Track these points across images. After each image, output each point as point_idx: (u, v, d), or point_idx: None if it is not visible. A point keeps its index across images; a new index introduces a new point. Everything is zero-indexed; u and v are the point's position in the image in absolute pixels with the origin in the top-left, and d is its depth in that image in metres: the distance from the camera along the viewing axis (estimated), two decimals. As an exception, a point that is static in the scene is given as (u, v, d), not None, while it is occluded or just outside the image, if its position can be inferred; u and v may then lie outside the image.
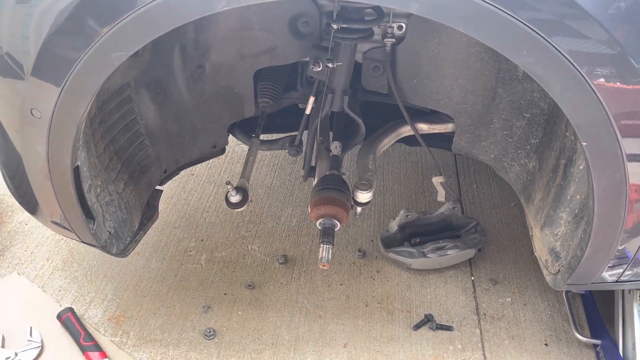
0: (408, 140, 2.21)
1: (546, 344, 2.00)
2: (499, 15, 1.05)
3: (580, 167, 1.46)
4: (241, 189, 1.94)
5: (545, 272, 1.72)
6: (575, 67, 1.08)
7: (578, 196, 1.51)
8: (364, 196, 1.87)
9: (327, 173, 1.92)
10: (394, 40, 1.76)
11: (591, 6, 1.04)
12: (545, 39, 1.05)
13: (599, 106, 1.12)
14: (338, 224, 1.80)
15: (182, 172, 2.18)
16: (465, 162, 2.89)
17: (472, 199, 2.67)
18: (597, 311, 2.03)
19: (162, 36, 1.21)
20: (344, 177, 1.92)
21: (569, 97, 1.13)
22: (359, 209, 1.95)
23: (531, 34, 1.05)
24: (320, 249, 1.74)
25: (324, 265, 1.73)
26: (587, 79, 1.09)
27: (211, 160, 2.37)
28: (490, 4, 1.04)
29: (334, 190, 1.81)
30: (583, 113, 1.14)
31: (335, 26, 1.61)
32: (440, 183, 2.21)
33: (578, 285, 1.58)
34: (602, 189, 1.26)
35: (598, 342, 1.94)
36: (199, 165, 2.56)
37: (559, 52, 1.07)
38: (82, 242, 1.70)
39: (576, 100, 1.13)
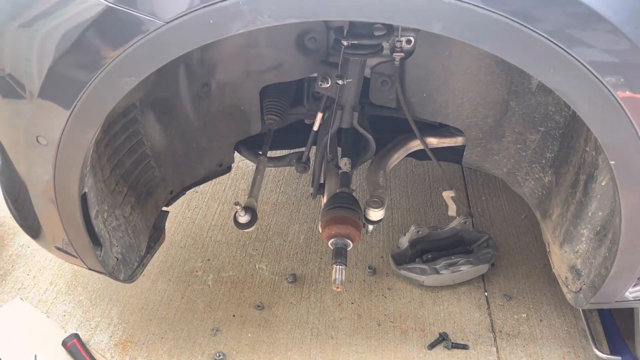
0: (417, 154, 2.17)
1: (565, 361, 1.96)
2: (525, 32, 1.01)
3: (602, 184, 1.42)
4: (250, 209, 1.90)
5: (565, 289, 1.68)
6: (604, 85, 1.04)
7: (600, 213, 1.47)
8: (376, 214, 1.83)
9: (337, 191, 1.89)
10: (402, 54, 1.73)
11: (621, 21, 1.00)
12: (573, 57, 1.02)
13: (628, 124, 1.08)
14: (350, 243, 1.76)
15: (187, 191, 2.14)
16: (474, 174, 2.85)
17: (482, 212, 2.63)
18: (616, 326, 1.99)
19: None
20: (353, 193, 1.88)
21: (598, 115, 1.09)
22: (370, 227, 1.91)
23: (559, 51, 1.02)
24: (333, 270, 1.70)
25: (337, 287, 1.68)
26: (616, 97, 1.06)
27: (216, 177, 2.33)
28: (517, 22, 1.00)
29: (345, 209, 1.77)
30: (612, 132, 1.11)
31: (345, 43, 1.58)
32: (451, 197, 2.17)
33: (601, 304, 1.54)
34: (630, 208, 1.22)
35: (618, 358, 1.89)
36: (203, 182, 2.52)
37: (588, 69, 1.03)
38: (89, 269, 1.65)
39: (605, 119, 1.09)
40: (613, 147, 1.13)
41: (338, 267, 1.69)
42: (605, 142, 1.13)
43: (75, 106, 1.19)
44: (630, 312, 2.00)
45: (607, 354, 1.93)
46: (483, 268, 2.21)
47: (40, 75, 1.20)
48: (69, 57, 1.16)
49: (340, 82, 1.66)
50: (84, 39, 1.13)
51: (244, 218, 1.88)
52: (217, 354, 1.99)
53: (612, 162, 1.15)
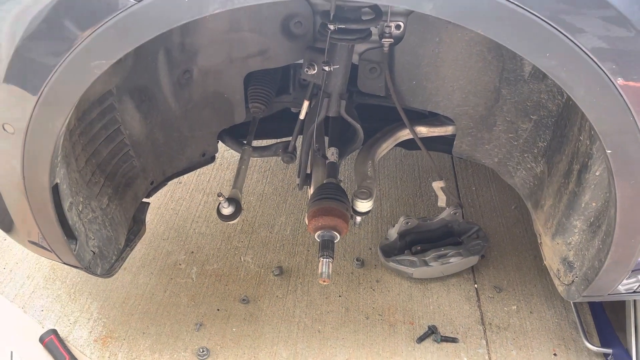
0: (406, 144, 2.13)
1: (555, 354, 1.93)
2: (521, 14, 0.96)
3: (597, 174, 1.38)
4: (234, 200, 1.83)
5: (557, 282, 1.64)
6: (602, 71, 0.99)
7: (594, 203, 1.43)
8: (364, 205, 1.78)
9: (324, 181, 1.83)
10: (392, 40, 1.66)
11: (627, 8, 0.95)
12: (571, 40, 0.96)
13: (626, 112, 1.04)
14: (338, 235, 1.70)
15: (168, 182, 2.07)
16: (463, 164, 2.81)
17: (472, 202, 2.59)
18: (607, 318, 1.96)
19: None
20: (341, 184, 1.83)
21: (595, 102, 1.04)
22: (358, 219, 1.86)
23: (557, 35, 0.96)
24: (320, 264, 1.65)
25: (324, 281, 1.63)
26: (615, 84, 1.01)
27: (199, 168, 2.26)
28: (513, 3, 0.94)
29: (332, 200, 1.71)
30: (609, 119, 1.06)
31: (332, 27, 1.51)
32: (441, 188, 2.13)
33: (594, 297, 1.50)
34: (626, 199, 1.18)
35: (609, 351, 1.87)
36: (186, 173, 2.45)
37: (587, 55, 0.98)
38: (64, 263, 1.58)
39: (602, 106, 1.04)
40: (610, 135, 1.08)
41: (325, 260, 1.64)
42: (601, 130, 1.08)
43: (42, 91, 1.11)
44: (620, 304, 1.98)
45: (598, 347, 1.90)
46: (473, 260, 2.17)
47: (5, 59, 1.13)
48: (35, 39, 1.09)
49: (326, 68, 1.59)
50: (50, 20, 1.05)
51: (227, 210, 1.81)
52: (201, 350, 1.93)
53: (609, 152, 1.10)
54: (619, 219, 1.22)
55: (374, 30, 1.67)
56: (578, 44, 0.97)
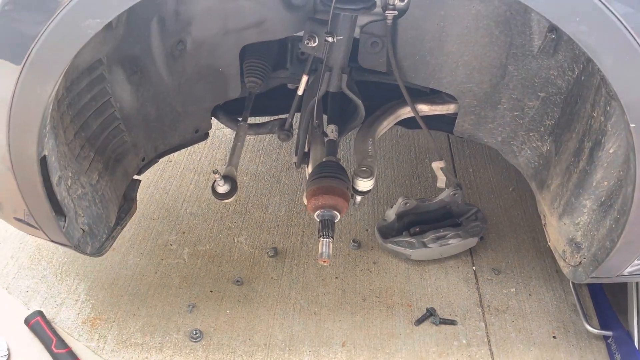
0: (406, 123, 2.07)
1: (554, 337, 1.91)
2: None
3: (610, 151, 1.33)
4: (229, 178, 1.77)
5: (562, 263, 1.61)
6: (634, 39, 0.94)
7: (606, 182, 1.39)
8: (365, 184, 1.74)
9: (324, 159, 1.77)
10: (395, 12, 1.60)
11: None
12: (604, 5, 0.91)
13: (657, 84, 0.99)
14: (338, 215, 1.65)
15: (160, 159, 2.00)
16: (461, 144, 2.76)
17: (469, 184, 2.54)
18: (607, 301, 1.94)
19: (139, 6, 1.02)
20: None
21: (622, 72, 0.99)
22: (358, 198, 1.82)
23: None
24: (320, 244, 1.60)
25: (324, 261, 1.58)
26: (646, 52, 0.96)
27: (191, 145, 2.18)
28: (544, -39, 0.88)
29: (332, 178, 1.66)
30: (637, 90, 1.01)
31: (336, -5, 1.44)
32: (441, 168, 2.08)
33: (602, 278, 1.47)
34: (646, 177, 1.14)
35: (609, 333, 1.85)
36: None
37: (619, 20, 0.92)
38: (52, 241, 1.50)
39: (630, 76, 0.99)
40: (636, 108, 1.03)
41: (325, 240, 1.59)
42: (627, 101, 1.03)
43: (29, 54, 1.02)
44: (619, 286, 1.96)
45: (598, 329, 1.88)
46: (472, 242, 2.14)
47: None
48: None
49: (329, 39, 1.53)
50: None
51: (223, 188, 1.75)
52: (194, 332, 1.87)
53: (633, 125, 1.05)
54: (636, 197, 1.18)
55: (377, 2, 1.60)
56: (612, 9, 0.91)
